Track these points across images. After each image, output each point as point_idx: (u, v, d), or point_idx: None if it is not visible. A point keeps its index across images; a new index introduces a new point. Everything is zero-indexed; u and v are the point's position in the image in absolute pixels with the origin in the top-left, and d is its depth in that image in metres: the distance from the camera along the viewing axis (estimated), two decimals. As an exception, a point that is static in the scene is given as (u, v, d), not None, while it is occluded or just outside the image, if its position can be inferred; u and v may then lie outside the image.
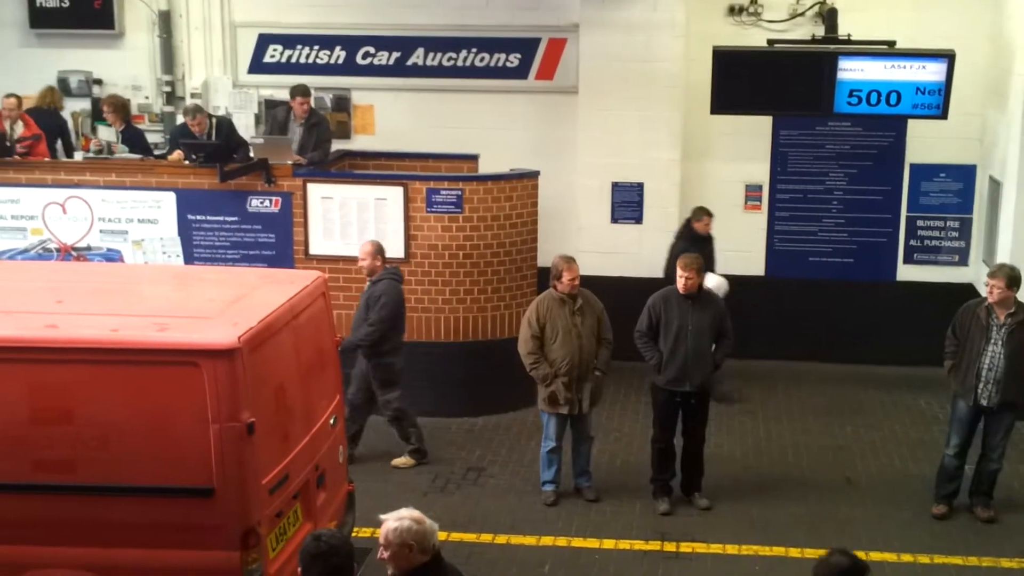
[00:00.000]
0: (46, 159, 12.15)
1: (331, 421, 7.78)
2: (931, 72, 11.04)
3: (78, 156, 12.53)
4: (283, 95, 12.74)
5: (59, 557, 6.51)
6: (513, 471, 10.30)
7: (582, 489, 9.78)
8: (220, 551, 6.42)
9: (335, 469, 7.86)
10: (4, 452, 6.43)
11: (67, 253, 11.53)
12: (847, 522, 9.38)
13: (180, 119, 12.77)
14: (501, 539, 9.04)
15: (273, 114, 12.75)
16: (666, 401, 9.56)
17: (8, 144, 11.77)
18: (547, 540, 8.96)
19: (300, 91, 12.21)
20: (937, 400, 12.04)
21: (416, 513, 5.21)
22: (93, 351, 6.42)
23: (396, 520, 5.14)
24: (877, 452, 10.80)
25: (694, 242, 11.44)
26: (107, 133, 12.16)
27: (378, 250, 10.25)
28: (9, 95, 12.41)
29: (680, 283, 9.30)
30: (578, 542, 9.02)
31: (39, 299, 7.28)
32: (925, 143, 12.78)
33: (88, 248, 11.51)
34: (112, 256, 11.50)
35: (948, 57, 10.96)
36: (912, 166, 12.93)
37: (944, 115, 11.22)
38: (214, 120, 12.25)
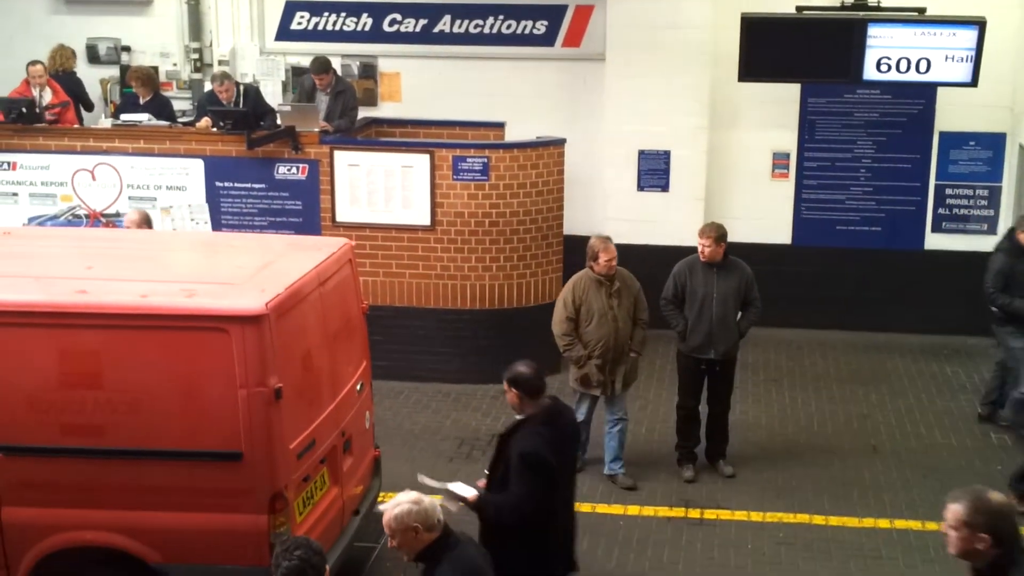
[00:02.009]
0: (75, 126, 12.23)
1: (358, 387, 7.83)
2: (961, 39, 10.93)
3: (105, 123, 12.60)
4: (309, 62, 12.74)
5: (89, 520, 6.60)
6: (538, 438, 10.34)
7: (616, 476, 9.48)
8: (248, 515, 6.50)
9: (362, 434, 7.92)
10: (35, 416, 6.52)
11: (96, 219, 11.61)
12: (872, 489, 9.39)
13: (208, 86, 12.82)
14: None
15: (301, 81, 12.79)
16: (691, 368, 9.58)
17: (37, 111, 11.84)
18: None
19: (315, 68, 12.21)
20: (964, 369, 12.02)
21: (413, 495, 5.25)
22: (122, 316, 6.49)
23: (394, 507, 5.18)
24: (903, 420, 10.79)
25: (1020, 256, 10.18)
26: (132, 116, 12.25)
27: (144, 219, 9.72)
28: (36, 62, 12.48)
29: (700, 251, 9.33)
30: (602, 508, 9.07)
31: (69, 265, 7.36)
32: (955, 111, 12.67)
33: (117, 215, 11.58)
34: (141, 223, 11.56)
35: (979, 24, 10.85)
36: (941, 134, 12.83)
37: (974, 83, 11.13)
38: (241, 87, 12.29)
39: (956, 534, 4.82)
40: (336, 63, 13.35)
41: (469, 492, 6.37)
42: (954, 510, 4.81)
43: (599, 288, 9.24)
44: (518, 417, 6.61)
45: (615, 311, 9.22)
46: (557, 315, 9.37)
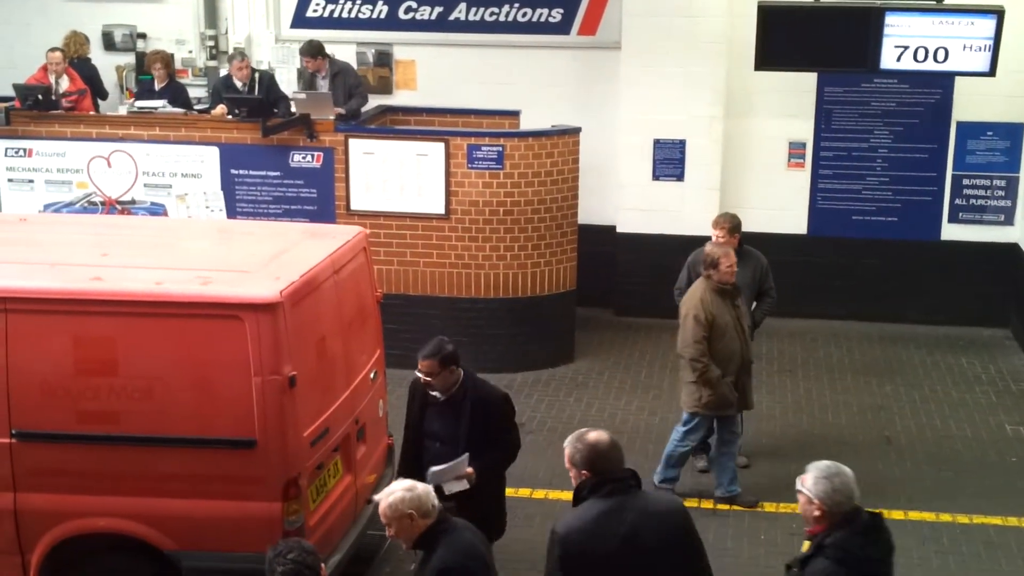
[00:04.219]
0: (91, 113, 12.26)
1: (371, 375, 7.84)
2: (979, 28, 10.84)
3: (121, 109, 12.63)
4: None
5: (103, 506, 6.62)
6: (552, 427, 10.34)
7: (736, 496, 8.97)
8: (261, 502, 6.52)
9: (375, 423, 7.93)
10: (50, 403, 6.54)
11: (112, 207, 11.64)
12: (886, 481, 9.36)
13: (223, 71, 12.83)
14: (539, 494, 9.11)
15: (299, 71, 12.73)
16: (705, 358, 9.54)
17: (53, 98, 11.87)
18: (585, 495, 8.99)
19: (306, 52, 12.16)
20: (979, 360, 11.97)
21: (406, 482, 5.30)
22: (137, 304, 6.51)
23: (388, 495, 5.22)
24: (917, 412, 10.76)
25: None
26: (148, 102, 12.30)
27: None
28: (54, 49, 12.51)
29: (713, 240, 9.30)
30: (616, 498, 9.05)
31: (85, 252, 7.38)
32: (973, 101, 12.60)
33: (132, 202, 11.61)
34: (156, 210, 11.59)
35: (997, 13, 10.76)
36: (959, 124, 12.76)
37: (992, 72, 11.06)
38: (256, 74, 12.29)
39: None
40: (351, 50, 13.40)
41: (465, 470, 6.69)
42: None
43: (723, 299, 8.63)
44: (440, 396, 6.76)
45: (740, 320, 8.72)
46: (691, 335, 8.57)
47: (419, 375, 6.72)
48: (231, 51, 13.48)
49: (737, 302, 8.72)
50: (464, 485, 6.64)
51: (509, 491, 8.98)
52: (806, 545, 5.20)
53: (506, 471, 7.18)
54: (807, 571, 5.00)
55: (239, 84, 12.08)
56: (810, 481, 5.09)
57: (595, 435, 5.20)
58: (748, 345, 8.82)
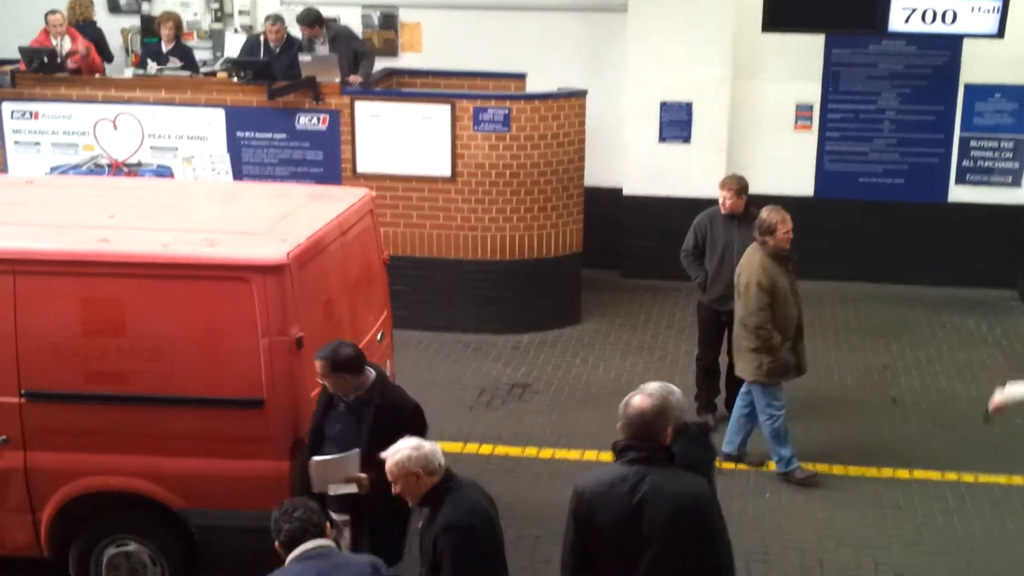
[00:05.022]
0: (97, 75, 12.24)
1: (378, 337, 7.88)
2: (988, -11, 10.84)
3: (127, 72, 12.61)
4: (330, 12, 12.66)
5: (112, 465, 6.68)
6: (558, 387, 10.38)
7: (743, 456, 8.95)
8: (269, 461, 6.57)
9: (382, 384, 7.96)
10: (59, 363, 6.58)
11: (118, 169, 11.65)
12: (891, 440, 9.41)
13: (228, 36, 12.82)
14: (545, 453, 9.15)
15: (298, 43, 12.55)
16: (711, 319, 9.58)
17: (58, 60, 11.85)
18: (591, 455, 9.05)
19: (304, 21, 11.95)
20: (986, 321, 11.98)
21: (413, 441, 5.33)
22: (145, 265, 6.53)
23: (394, 453, 5.27)
24: (923, 372, 10.79)
25: None
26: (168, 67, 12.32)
27: None
28: (53, 11, 12.48)
29: (721, 203, 9.30)
30: (622, 458, 9.09)
31: (92, 214, 7.39)
32: (980, 62, 12.53)
33: (139, 164, 11.62)
34: (162, 172, 11.60)
35: (1006, -26, 10.75)
36: (966, 86, 12.70)
37: (1001, 34, 11.04)
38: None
39: None
40: (356, 13, 13.34)
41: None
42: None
43: (780, 265, 8.47)
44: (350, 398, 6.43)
45: (795, 285, 8.59)
46: (753, 303, 8.38)
47: None
48: (236, 16, 13.40)
49: (791, 267, 8.57)
50: (352, 489, 6.32)
51: (515, 451, 9.11)
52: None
53: None
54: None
55: (273, 46, 12.02)
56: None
57: (641, 401, 5.14)
58: (801, 310, 8.69)
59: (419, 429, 6.22)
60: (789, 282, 8.52)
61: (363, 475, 6.28)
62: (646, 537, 4.99)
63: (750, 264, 8.50)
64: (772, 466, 8.87)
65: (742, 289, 8.51)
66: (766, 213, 8.58)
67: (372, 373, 6.49)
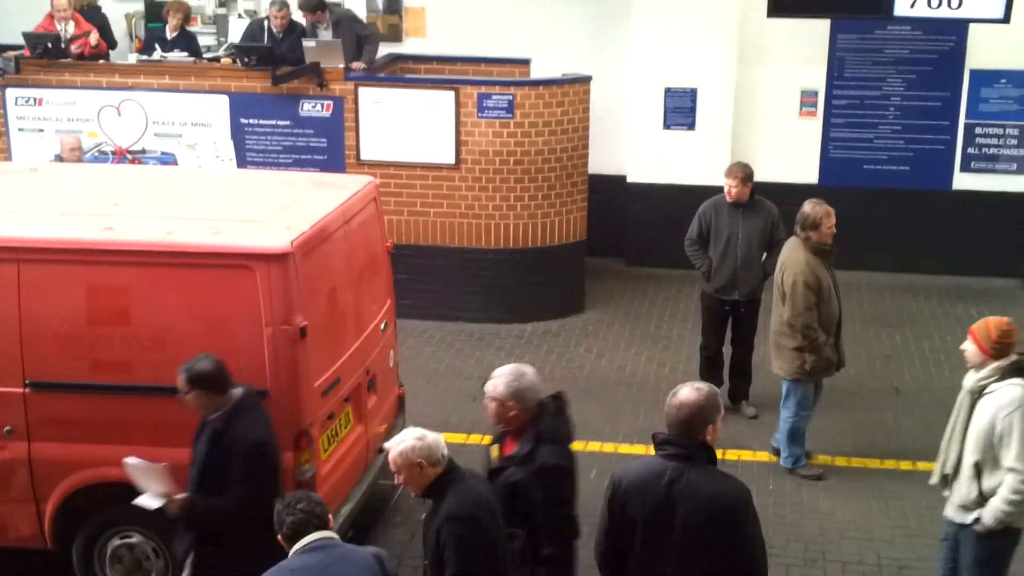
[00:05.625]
0: (101, 61, 12.20)
1: (382, 326, 7.87)
2: (995, -25, 10.78)
3: (131, 58, 12.58)
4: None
5: (116, 455, 6.62)
6: (561, 377, 10.36)
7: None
8: (273, 451, 6.55)
9: (386, 373, 7.96)
10: (63, 352, 6.57)
11: (122, 156, 11.63)
12: (895, 431, 9.40)
13: (232, 22, 12.77)
14: (549, 443, 9.13)
15: (301, 28, 12.54)
16: (715, 309, 9.57)
17: (63, 46, 11.83)
18: (594, 446, 9.04)
19: (307, 6, 11.96)
20: (991, 310, 11.89)
21: (417, 431, 5.32)
22: (149, 253, 6.52)
23: (398, 443, 5.27)
24: (927, 362, 10.77)
25: None
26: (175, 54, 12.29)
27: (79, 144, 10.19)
28: (59, -6, 12.44)
29: (726, 191, 9.27)
30: (625, 448, 9.11)
31: (96, 202, 7.37)
32: (986, 48, 12.49)
33: (143, 151, 11.60)
34: (166, 159, 11.59)
35: (1013, -40, 10.69)
36: (972, 72, 12.66)
37: (1007, 19, 10.97)
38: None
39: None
40: (361, -3, 13.29)
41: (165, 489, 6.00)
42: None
43: (821, 260, 8.30)
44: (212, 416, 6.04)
45: (835, 280, 8.45)
46: (801, 302, 8.20)
47: None
48: (239, 2, 13.35)
49: (831, 261, 8.42)
50: (158, 503, 5.98)
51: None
52: (495, 450, 5.83)
53: (245, 533, 5.77)
54: (541, 454, 5.56)
55: (276, 32, 11.98)
56: (501, 387, 5.65)
57: (686, 395, 5.15)
58: (842, 304, 8.54)
59: (255, 467, 5.87)
60: (832, 276, 8.42)
61: (176, 495, 5.96)
62: (677, 534, 4.98)
63: (795, 262, 8.26)
64: (774, 456, 8.87)
65: (788, 288, 8.29)
66: (809, 207, 8.34)
67: (236, 395, 6.05)
